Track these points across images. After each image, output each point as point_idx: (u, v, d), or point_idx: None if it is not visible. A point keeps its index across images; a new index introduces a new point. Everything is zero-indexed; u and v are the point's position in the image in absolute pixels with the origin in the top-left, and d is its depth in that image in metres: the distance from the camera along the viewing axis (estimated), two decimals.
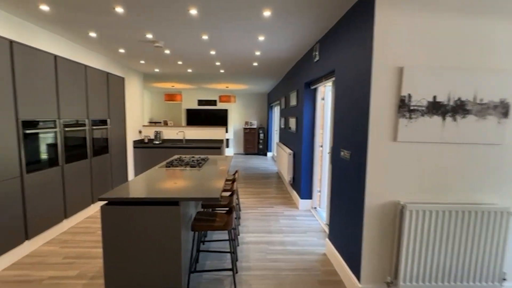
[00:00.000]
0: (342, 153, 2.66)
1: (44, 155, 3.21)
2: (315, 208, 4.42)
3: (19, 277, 2.56)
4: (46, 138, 3.24)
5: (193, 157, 4.11)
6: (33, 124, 3.03)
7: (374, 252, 2.20)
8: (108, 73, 4.68)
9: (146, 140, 6.41)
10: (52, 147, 3.35)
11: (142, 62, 5.20)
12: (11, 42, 2.75)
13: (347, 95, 2.57)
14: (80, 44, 4.00)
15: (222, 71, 6.03)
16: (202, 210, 2.93)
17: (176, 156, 4.18)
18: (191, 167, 3.32)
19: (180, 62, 5.14)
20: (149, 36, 3.50)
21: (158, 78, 7.39)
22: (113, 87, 4.87)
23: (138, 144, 6.10)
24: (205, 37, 3.51)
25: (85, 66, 4.02)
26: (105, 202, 2.11)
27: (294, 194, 4.97)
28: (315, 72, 3.73)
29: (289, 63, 5.11)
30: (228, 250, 3.08)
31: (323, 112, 4.20)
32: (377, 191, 2.15)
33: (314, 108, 4.34)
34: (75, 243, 3.26)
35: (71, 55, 3.88)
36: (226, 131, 10.39)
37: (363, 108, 2.21)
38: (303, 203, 4.50)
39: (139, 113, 6.40)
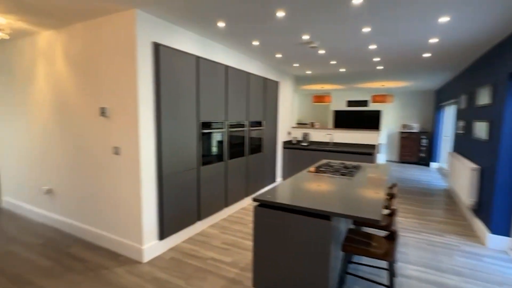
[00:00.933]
0: None
1: (214, 151, 3.77)
2: None
3: (191, 251, 3.08)
4: (215, 137, 3.79)
5: (342, 163, 3.77)
6: (207, 125, 3.60)
7: None
8: (265, 78, 5.04)
9: (294, 141, 6.58)
10: (219, 144, 3.89)
11: (296, 65, 5.30)
12: (198, 57, 3.34)
13: None
14: (244, 54, 4.47)
15: (380, 67, 5.32)
16: (354, 227, 2.57)
17: (324, 161, 3.97)
18: (341, 175, 3.01)
19: (333, 62, 4.90)
20: (306, 37, 3.44)
21: (308, 80, 7.45)
22: (269, 91, 5.22)
23: (287, 144, 6.33)
24: (366, 29, 3.09)
25: (248, 73, 4.47)
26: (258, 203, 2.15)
27: (478, 224, 3.70)
28: None
29: (477, 49, 3.84)
30: (383, 282, 2.57)
31: None
32: None
33: None
34: (232, 231, 3.65)
35: (238, 64, 4.40)
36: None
37: None
38: (494, 240, 3.26)
39: (289, 115, 6.65)
